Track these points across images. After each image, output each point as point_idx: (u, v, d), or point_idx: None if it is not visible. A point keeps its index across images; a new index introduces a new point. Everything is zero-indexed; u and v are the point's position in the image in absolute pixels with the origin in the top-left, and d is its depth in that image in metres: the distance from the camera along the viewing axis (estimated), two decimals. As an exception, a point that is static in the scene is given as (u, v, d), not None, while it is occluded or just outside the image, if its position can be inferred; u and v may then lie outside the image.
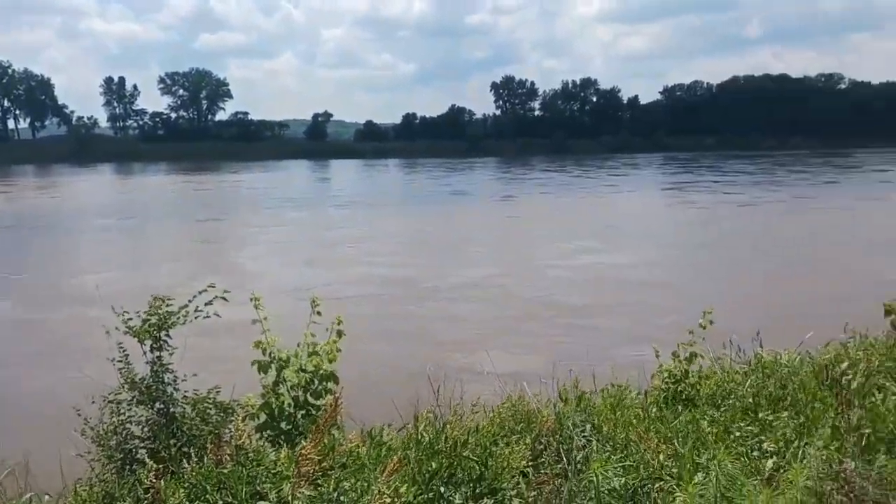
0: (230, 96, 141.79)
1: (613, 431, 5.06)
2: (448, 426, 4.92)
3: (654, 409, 6.00)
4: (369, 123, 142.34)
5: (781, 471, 4.04)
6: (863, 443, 3.85)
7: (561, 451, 4.71)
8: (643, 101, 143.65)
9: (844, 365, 4.80)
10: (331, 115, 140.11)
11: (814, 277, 20.56)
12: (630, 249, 26.30)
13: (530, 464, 4.62)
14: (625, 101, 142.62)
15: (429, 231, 34.26)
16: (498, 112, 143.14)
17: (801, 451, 4.06)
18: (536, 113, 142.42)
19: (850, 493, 3.28)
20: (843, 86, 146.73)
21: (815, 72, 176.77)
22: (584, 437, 5.01)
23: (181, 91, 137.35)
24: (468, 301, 18.31)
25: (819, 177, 64.39)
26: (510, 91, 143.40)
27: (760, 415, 5.04)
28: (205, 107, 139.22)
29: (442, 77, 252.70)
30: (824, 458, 3.57)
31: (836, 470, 3.33)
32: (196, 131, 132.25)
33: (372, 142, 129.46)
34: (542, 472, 4.57)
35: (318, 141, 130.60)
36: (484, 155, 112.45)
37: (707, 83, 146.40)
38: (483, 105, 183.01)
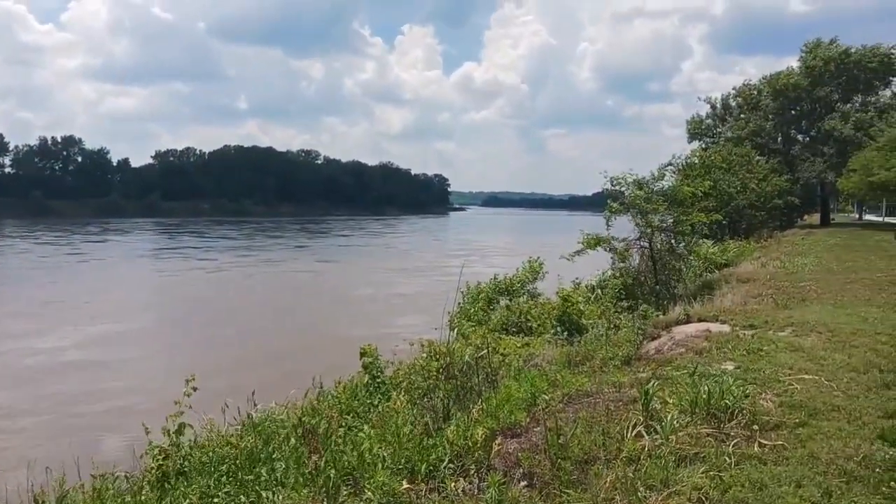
0: None
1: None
2: None
3: (146, 491, 5.65)
4: None
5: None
6: (330, 483, 4.34)
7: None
8: (135, 163, 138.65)
9: (313, 414, 5.36)
10: None
11: (287, 337, 21.95)
12: (72, 328, 22.64)
13: None
14: (115, 163, 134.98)
15: None
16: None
17: (279, 504, 4.33)
18: (8, 170, 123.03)
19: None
20: (319, 161, 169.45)
21: (298, 147, 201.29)
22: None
23: None
24: None
25: (293, 241, 71.66)
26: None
27: (249, 475, 5.21)
28: None
29: None
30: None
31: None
32: None
33: None
34: None
35: None
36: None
37: (200, 150, 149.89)
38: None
